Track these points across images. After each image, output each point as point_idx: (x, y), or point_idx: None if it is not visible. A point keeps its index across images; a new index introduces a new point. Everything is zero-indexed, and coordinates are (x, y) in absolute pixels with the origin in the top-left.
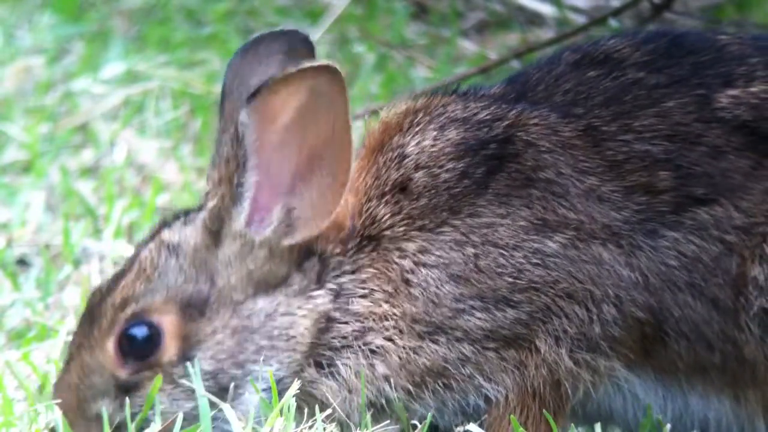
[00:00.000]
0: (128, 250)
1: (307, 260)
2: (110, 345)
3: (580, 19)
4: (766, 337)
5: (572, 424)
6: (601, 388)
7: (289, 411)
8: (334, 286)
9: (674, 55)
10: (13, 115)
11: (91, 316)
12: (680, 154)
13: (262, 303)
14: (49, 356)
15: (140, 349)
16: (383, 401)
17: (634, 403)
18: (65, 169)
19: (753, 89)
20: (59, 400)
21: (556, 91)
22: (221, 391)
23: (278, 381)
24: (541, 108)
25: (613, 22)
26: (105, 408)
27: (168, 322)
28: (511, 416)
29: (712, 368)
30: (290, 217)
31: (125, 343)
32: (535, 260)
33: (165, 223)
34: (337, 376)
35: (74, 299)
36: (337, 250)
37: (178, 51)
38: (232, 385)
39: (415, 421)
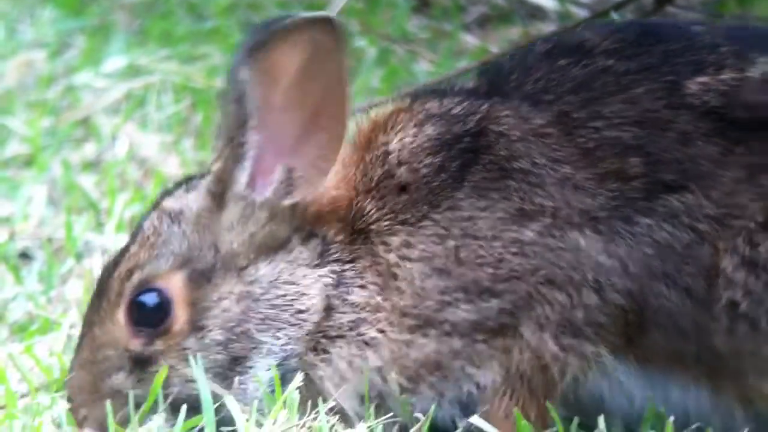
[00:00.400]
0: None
1: (310, 240)
2: (120, 316)
3: (582, 13)
4: (734, 329)
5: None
6: (590, 375)
7: (292, 403)
8: (336, 269)
9: (644, 43)
10: (14, 109)
11: (99, 292)
12: (650, 140)
13: (265, 269)
14: (51, 349)
15: (150, 316)
16: (376, 394)
17: (621, 391)
18: (67, 162)
19: (722, 77)
20: (69, 387)
21: (527, 80)
22: (232, 363)
23: (284, 359)
24: (513, 99)
25: (615, 16)
26: (121, 382)
27: (175, 289)
28: (516, 410)
29: (689, 358)
30: (291, 177)
31: (135, 312)
32: (514, 249)
33: (166, 192)
34: (330, 363)
35: (77, 292)
36: (339, 238)
37: (180, 45)
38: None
39: (418, 414)
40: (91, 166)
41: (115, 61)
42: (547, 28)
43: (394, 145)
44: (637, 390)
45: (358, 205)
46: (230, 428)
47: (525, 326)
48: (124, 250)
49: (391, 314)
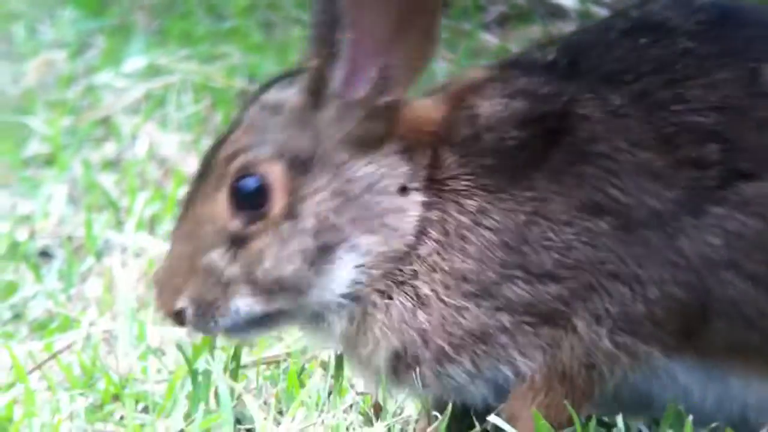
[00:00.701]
0: (150, 242)
1: (405, 155)
2: (222, 196)
3: (602, 12)
4: None
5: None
6: (638, 374)
7: (311, 399)
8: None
9: (725, 26)
10: (35, 109)
11: (202, 171)
12: (728, 126)
13: (363, 169)
14: (71, 347)
15: (251, 200)
16: (411, 357)
17: (676, 388)
18: (87, 162)
19: None
20: (166, 259)
21: (607, 58)
22: (321, 251)
23: (362, 272)
24: (593, 77)
25: (635, 14)
26: (216, 259)
27: (276, 175)
28: (532, 407)
29: (752, 349)
30: (386, 75)
31: (236, 194)
32: (584, 238)
33: (266, 86)
34: (387, 310)
35: (96, 291)
36: (421, 174)
37: (200, 45)
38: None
39: (435, 413)
40: (111, 165)
41: (135, 61)
42: (567, 27)
43: (484, 109)
44: (695, 385)
45: (438, 153)
46: (248, 426)
47: (579, 318)
48: (226, 136)
49: (447, 276)
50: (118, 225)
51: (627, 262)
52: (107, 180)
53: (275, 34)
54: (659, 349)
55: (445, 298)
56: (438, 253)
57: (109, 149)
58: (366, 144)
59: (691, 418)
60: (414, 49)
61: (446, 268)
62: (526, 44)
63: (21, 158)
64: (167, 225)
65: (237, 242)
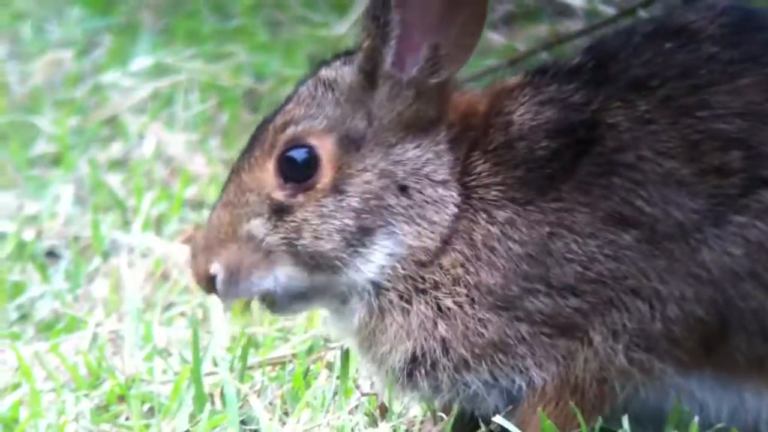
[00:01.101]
0: (156, 242)
1: (454, 140)
2: (270, 165)
3: (609, 10)
4: None
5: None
6: (649, 390)
7: (316, 400)
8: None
9: (747, 30)
10: (42, 108)
11: (253, 140)
12: (752, 133)
13: (411, 152)
14: (77, 348)
15: (299, 171)
16: (429, 363)
17: (690, 402)
18: (94, 161)
19: None
20: (208, 224)
21: (633, 63)
22: (360, 232)
23: (384, 267)
24: (620, 83)
25: (642, 14)
26: (257, 227)
27: (326, 149)
28: (539, 410)
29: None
30: (437, 54)
31: (284, 164)
32: (608, 251)
33: (324, 62)
34: (406, 315)
35: (103, 291)
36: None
37: (206, 44)
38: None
39: (441, 414)
40: (118, 164)
41: (142, 61)
42: (575, 25)
43: (517, 116)
44: (711, 400)
45: (472, 160)
46: (254, 427)
47: (596, 332)
48: (280, 108)
49: (473, 290)
50: (125, 225)
51: (649, 276)
52: (114, 180)
53: (281, 33)
54: (675, 366)
55: (469, 311)
56: (462, 266)
57: (116, 149)
58: (416, 126)
59: (696, 419)
60: (463, 28)
61: (471, 282)
62: (533, 43)
63: (28, 158)
64: (174, 225)
65: (279, 212)
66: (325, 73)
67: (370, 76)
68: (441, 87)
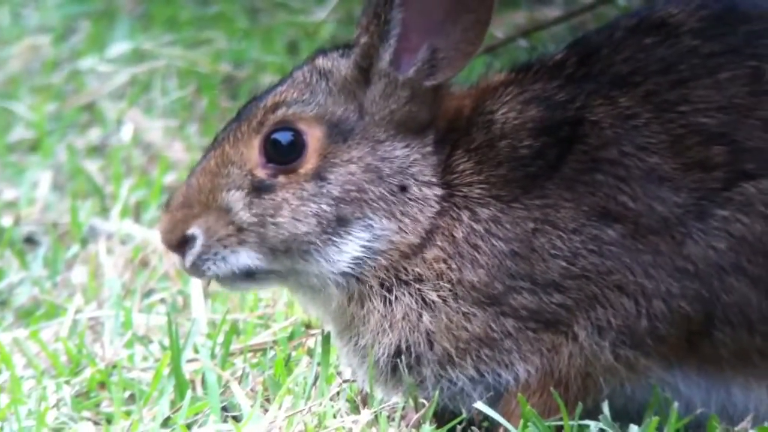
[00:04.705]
0: (135, 229)
1: (441, 144)
2: (256, 142)
3: None
4: None
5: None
6: (635, 385)
7: (297, 387)
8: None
9: (728, 22)
10: (19, 94)
11: (240, 114)
12: (734, 127)
13: (400, 151)
14: (57, 334)
15: (283, 152)
16: (413, 357)
17: (676, 398)
18: (72, 148)
19: None
20: (185, 186)
21: (615, 59)
22: (336, 222)
23: (366, 255)
24: (602, 79)
25: (621, 1)
26: (235, 200)
27: (313, 136)
28: (519, 395)
29: (754, 354)
30: (434, 57)
31: (270, 145)
32: (592, 246)
33: (322, 51)
34: (388, 304)
35: (82, 278)
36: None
37: (185, 30)
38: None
39: (422, 400)
40: (96, 151)
41: (120, 46)
42: (552, 13)
43: (499, 116)
44: (697, 395)
45: (455, 158)
46: (235, 413)
47: (581, 327)
48: (272, 88)
49: (457, 286)
50: (104, 211)
51: (634, 271)
52: (92, 166)
53: (260, 20)
54: (660, 362)
55: (453, 305)
56: (445, 262)
57: (94, 135)
58: (407, 127)
59: (676, 405)
60: (464, 34)
61: (455, 278)
62: (511, 30)
63: (5, 144)
64: (153, 212)
65: (258, 190)
66: (321, 61)
67: (365, 72)
68: (435, 91)
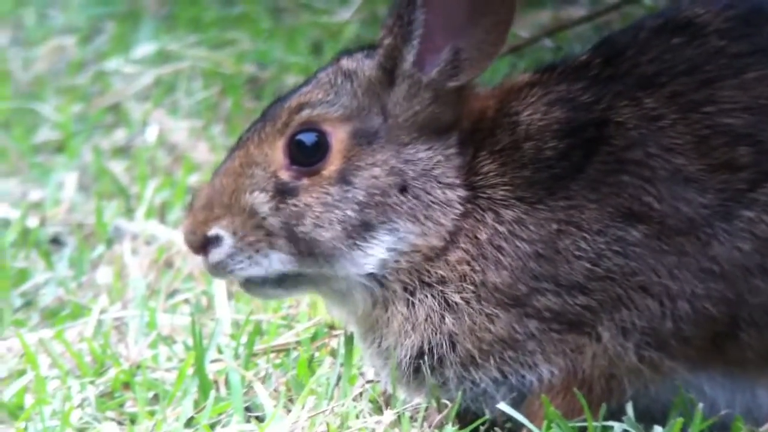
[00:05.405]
0: (160, 230)
1: (465, 146)
2: (280, 144)
3: None
4: None
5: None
6: (659, 386)
7: (320, 387)
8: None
9: (754, 22)
10: (45, 95)
11: (265, 115)
12: (760, 128)
13: (423, 153)
14: (82, 334)
15: (308, 154)
16: (436, 358)
17: (701, 400)
18: (98, 148)
19: None
20: (209, 187)
21: (641, 59)
22: (361, 226)
23: (391, 257)
24: (628, 80)
25: (647, 0)
26: (259, 202)
27: (338, 138)
28: (542, 396)
29: None
30: (458, 58)
31: (294, 146)
32: (616, 247)
33: (346, 52)
34: (411, 306)
35: (107, 278)
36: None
37: (209, 31)
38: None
39: (445, 401)
40: (122, 151)
41: (145, 47)
42: (577, 12)
43: (524, 117)
44: (721, 397)
45: (479, 160)
46: (258, 414)
47: (605, 328)
48: (296, 89)
49: (480, 287)
50: (129, 212)
51: (659, 272)
52: (117, 167)
53: (284, 20)
54: (685, 364)
55: (476, 306)
56: (468, 264)
57: (119, 136)
58: (430, 128)
59: (701, 406)
60: (487, 35)
61: (478, 280)
62: (536, 30)
63: (31, 145)
64: (177, 212)
65: (283, 193)
66: (346, 63)
67: (389, 74)
68: (459, 92)
